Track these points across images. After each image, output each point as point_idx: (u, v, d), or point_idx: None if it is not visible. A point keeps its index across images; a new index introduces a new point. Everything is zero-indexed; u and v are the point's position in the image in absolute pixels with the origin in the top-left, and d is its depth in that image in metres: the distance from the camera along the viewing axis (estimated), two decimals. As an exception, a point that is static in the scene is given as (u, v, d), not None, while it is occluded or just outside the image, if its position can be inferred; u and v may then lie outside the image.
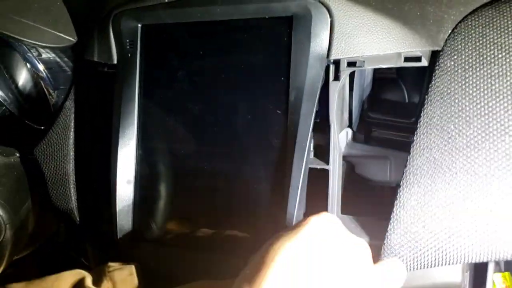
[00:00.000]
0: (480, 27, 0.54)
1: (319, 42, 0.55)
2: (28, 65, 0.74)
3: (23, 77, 0.76)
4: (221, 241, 0.61)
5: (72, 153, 0.71)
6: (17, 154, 0.76)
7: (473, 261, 0.50)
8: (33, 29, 0.67)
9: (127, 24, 0.65)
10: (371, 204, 0.69)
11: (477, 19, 0.55)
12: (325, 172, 0.60)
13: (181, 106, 0.63)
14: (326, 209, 0.60)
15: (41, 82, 0.72)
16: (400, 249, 0.52)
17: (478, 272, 0.62)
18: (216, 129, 0.61)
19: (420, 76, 0.67)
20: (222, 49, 0.61)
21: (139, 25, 0.65)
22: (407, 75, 0.70)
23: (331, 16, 0.55)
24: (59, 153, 0.71)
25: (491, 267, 0.60)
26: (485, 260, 0.50)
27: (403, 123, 0.68)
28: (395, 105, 0.70)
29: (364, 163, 0.69)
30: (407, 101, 0.71)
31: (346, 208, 0.63)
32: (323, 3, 0.55)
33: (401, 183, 0.53)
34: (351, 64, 0.56)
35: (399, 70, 0.71)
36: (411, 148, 0.53)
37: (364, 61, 0.55)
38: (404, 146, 0.66)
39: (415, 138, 0.53)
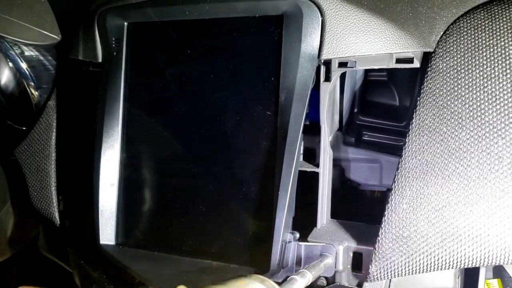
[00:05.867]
0: (472, 29, 0.53)
1: (310, 42, 0.54)
2: (11, 64, 0.71)
3: (5, 76, 0.74)
4: (206, 246, 0.59)
5: (54, 154, 0.69)
6: (-3, 155, 0.74)
7: (466, 266, 0.49)
8: (16, 25, 0.65)
9: (113, 22, 0.63)
10: (361, 208, 0.68)
11: (469, 21, 0.54)
12: (315, 176, 0.58)
13: (167, 106, 0.61)
14: (315, 214, 0.59)
15: (24, 80, 0.70)
16: (391, 254, 0.51)
17: (470, 277, 0.61)
18: (203, 131, 0.59)
19: (411, 79, 0.66)
20: (211, 48, 0.59)
21: (125, 23, 0.63)
22: (398, 78, 0.70)
23: (322, 15, 0.54)
24: (40, 154, 0.69)
25: (482, 272, 0.59)
26: (478, 265, 0.49)
27: (394, 126, 0.67)
28: (386, 108, 0.70)
29: (355, 167, 0.68)
30: (398, 104, 0.70)
31: (336, 212, 0.61)
32: (314, 2, 0.54)
33: (392, 186, 0.52)
34: (343, 64, 0.55)
35: (390, 73, 0.70)
36: (403, 151, 0.52)
37: (355, 62, 0.54)
38: (395, 150, 0.65)
39: (407, 140, 0.52)
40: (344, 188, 0.67)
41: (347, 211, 0.64)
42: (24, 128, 0.74)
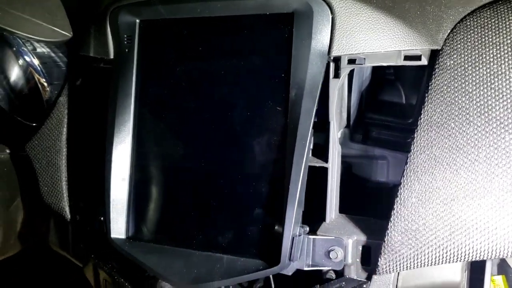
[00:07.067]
0: (479, 27, 0.54)
1: (320, 39, 0.55)
2: (21, 61, 0.72)
3: (15, 73, 0.75)
4: (217, 239, 0.60)
5: (65, 149, 0.70)
6: (7, 151, 0.74)
7: (474, 259, 0.50)
8: (28, 22, 0.66)
9: (124, 19, 0.64)
10: (368, 204, 0.68)
11: (475, 19, 0.55)
12: (323, 171, 0.59)
13: (178, 102, 0.62)
14: (324, 208, 0.60)
15: (35, 76, 0.71)
16: (401, 247, 0.52)
17: (476, 272, 0.62)
18: (214, 126, 0.60)
19: (418, 77, 0.67)
20: (222, 45, 0.60)
21: (137, 21, 0.64)
22: (404, 77, 0.71)
23: (332, 12, 0.55)
24: (51, 149, 0.70)
25: (488, 266, 0.60)
26: (485, 258, 0.50)
27: (401, 123, 0.68)
28: (393, 106, 0.71)
29: (362, 163, 0.69)
30: (404, 102, 0.71)
31: (343, 208, 0.62)
32: (324, 0, 0.55)
33: (401, 181, 0.53)
34: (352, 61, 0.56)
35: (397, 71, 0.71)
36: (412, 146, 0.53)
37: (364, 59, 0.55)
38: (402, 147, 0.66)
39: (415, 135, 0.53)
40: (351, 184, 0.68)
41: (354, 206, 0.65)
42: (34, 124, 0.75)
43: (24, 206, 0.74)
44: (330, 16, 0.55)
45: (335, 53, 0.55)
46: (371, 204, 0.69)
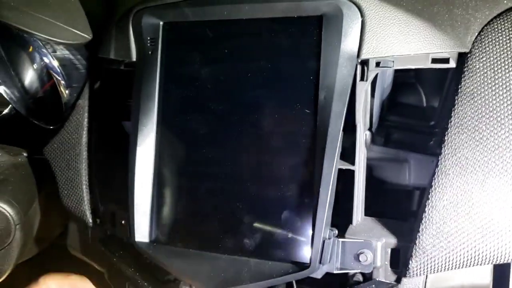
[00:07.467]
0: (507, 30, 0.55)
1: (349, 42, 0.55)
2: (40, 63, 0.71)
3: (29, 76, 0.74)
4: (244, 243, 0.59)
5: (85, 153, 0.69)
6: (25, 154, 0.73)
7: (506, 261, 0.50)
8: (49, 24, 0.65)
9: (148, 21, 0.63)
10: (389, 206, 0.69)
11: (502, 22, 0.56)
12: (347, 174, 0.59)
13: (204, 105, 0.62)
14: (351, 211, 0.59)
15: (55, 78, 0.70)
16: (432, 250, 0.52)
17: (499, 273, 0.62)
18: (241, 129, 0.60)
19: (438, 80, 0.68)
20: (249, 48, 0.60)
21: (161, 23, 0.63)
22: (425, 80, 0.71)
23: (362, 15, 0.55)
24: (71, 152, 0.69)
25: (514, 269, 0.60)
26: (518, 260, 0.50)
27: (423, 126, 0.68)
28: (414, 108, 0.71)
29: (383, 166, 0.69)
30: (425, 105, 0.71)
31: (365, 210, 0.62)
32: (354, 3, 0.55)
33: (432, 183, 0.53)
34: (379, 64, 0.56)
35: (418, 74, 0.71)
36: (442, 149, 0.53)
37: (393, 62, 0.55)
38: (423, 149, 0.67)
39: (446, 138, 0.53)
40: (372, 186, 0.68)
41: (376, 209, 0.65)
42: (51, 127, 0.74)
43: (41, 209, 0.73)
44: (360, 19, 0.55)
45: (364, 56, 0.55)
46: (392, 206, 0.69)
